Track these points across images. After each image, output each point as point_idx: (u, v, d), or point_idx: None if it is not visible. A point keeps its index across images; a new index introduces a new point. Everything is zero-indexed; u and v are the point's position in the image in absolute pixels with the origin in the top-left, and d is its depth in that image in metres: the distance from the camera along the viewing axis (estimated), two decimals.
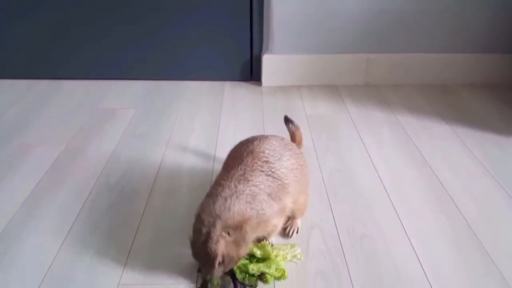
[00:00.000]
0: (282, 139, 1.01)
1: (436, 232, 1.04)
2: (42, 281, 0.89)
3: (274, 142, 0.96)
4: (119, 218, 1.06)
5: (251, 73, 1.85)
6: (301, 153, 1.02)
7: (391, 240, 1.01)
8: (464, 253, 0.98)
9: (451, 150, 1.37)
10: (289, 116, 1.17)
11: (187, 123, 1.52)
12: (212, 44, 1.78)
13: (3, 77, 1.83)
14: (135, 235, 1.01)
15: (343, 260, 0.95)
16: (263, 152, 0.92)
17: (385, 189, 1.18)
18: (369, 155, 1.34)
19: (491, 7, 1.70)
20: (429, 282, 0.90)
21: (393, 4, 1.68)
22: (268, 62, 1.78)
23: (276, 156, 0.93)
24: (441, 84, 1.84)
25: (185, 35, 1.76)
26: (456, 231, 1.04)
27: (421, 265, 0.94)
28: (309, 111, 1.61)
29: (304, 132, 1.44)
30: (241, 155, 0.93)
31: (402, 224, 1.06)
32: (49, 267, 0.92)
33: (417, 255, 0.96)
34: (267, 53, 1.77)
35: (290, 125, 1.16)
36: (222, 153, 1.33)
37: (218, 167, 1.26)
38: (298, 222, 1.03)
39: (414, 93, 1.76)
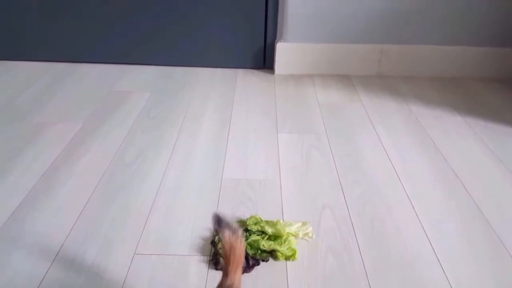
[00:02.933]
0: None
1: (445, 214, 1.05)
2: (60, 248, 0.91)
3: None
4: (135, 193, 1.09)
5: (264, 61, 1.87)
6: None
7: (401, 222, 1.02)
8: (473, 234, 0.99)
9: (462, 139, 1.37)
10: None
11: (200, 107, 1.54)
12: (226, 31, 1.79)
13: (21, 59, 1.87)
14: (151, 209, 1.03)
15: (354, 239, 0.96)
16: None
17: (396, 173, 1.20)
18: (380, 141, 1.35)
19: (504, 1, 1.70)
20: (438, 259, 0.91)
21: None
22: (282, 50, 1.79)
23: None
24: (453, 76, 1.84)
25: (199, 22, 1.78)
26: (465, 214, 1.05)
27: (430, 244, 0.95)
28: (321, 99, 1.62)
29: (316, 118, 1.47)
30: None
31: (412, 206, 1.07)
32: (67, 237, 0.94)
33: (427, 235, 0.98)
34: (280, 41, 1.78)
35: (226, 231, 0.63)
36: (234, 136, 1.36)
37: (231, 148, 1.29)
38: None
39: (426, 85, 1.77)
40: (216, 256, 0.89)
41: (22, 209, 1.02)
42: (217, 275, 0.86)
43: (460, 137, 1.39)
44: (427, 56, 1.81)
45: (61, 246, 0.92)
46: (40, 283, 0.83)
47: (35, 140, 1.30)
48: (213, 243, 0.93)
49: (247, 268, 0.88)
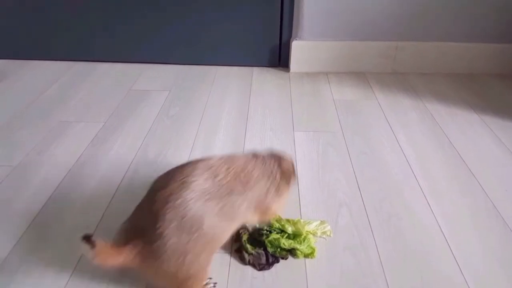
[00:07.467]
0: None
1: (461, 211, 1.07)
2: None
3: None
4: None
5: (279, 59, 1.89)
6: None
7: (417, 218, 1.04)
8: (488, 231, 1.00)
9: (478, 136, 1.38)
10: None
11: (217, 105, 1.57)
12: (242, 30, 1.82)
13: (42, 58, 1.92)
14: None
15: (371, 236, 0.99)
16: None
17: (412, 170, 1.21)
18: (396, 138, 1.36)
19: None
20: (453, 256, 0.93)
21: None
22: (297, 48, 1.81)
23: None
24: (469, 73, 1.84)
25: (215, 21, 1.80)
26: (480, 211, 1.07)
27: (446, 241, 0.97)
28: (336, 96, 1.64)
29: (332, 116, 1.49)
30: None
31: (428, 203, 1.09)
32: (94, 232, 0.98)
33: (442, 232, 1.00)
34: (296, 39, 1.80)
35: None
36: (251, 135, 1.38)
37: (248, 144, 1.32)
38: None
39: (442, 82, 1.77)
40: (241, 250, 0.93)
41: (50, 205, 1.06)
42: (239, 269, 0.90)
43: (476, 134, 1.40)
44: (442, 52, 1.81)
45: None
46: (69, 279, 0.87)
47: (61, 137, 1.35)
48: (238, 235, 0.96)
49: (267, 265, 0.91)
